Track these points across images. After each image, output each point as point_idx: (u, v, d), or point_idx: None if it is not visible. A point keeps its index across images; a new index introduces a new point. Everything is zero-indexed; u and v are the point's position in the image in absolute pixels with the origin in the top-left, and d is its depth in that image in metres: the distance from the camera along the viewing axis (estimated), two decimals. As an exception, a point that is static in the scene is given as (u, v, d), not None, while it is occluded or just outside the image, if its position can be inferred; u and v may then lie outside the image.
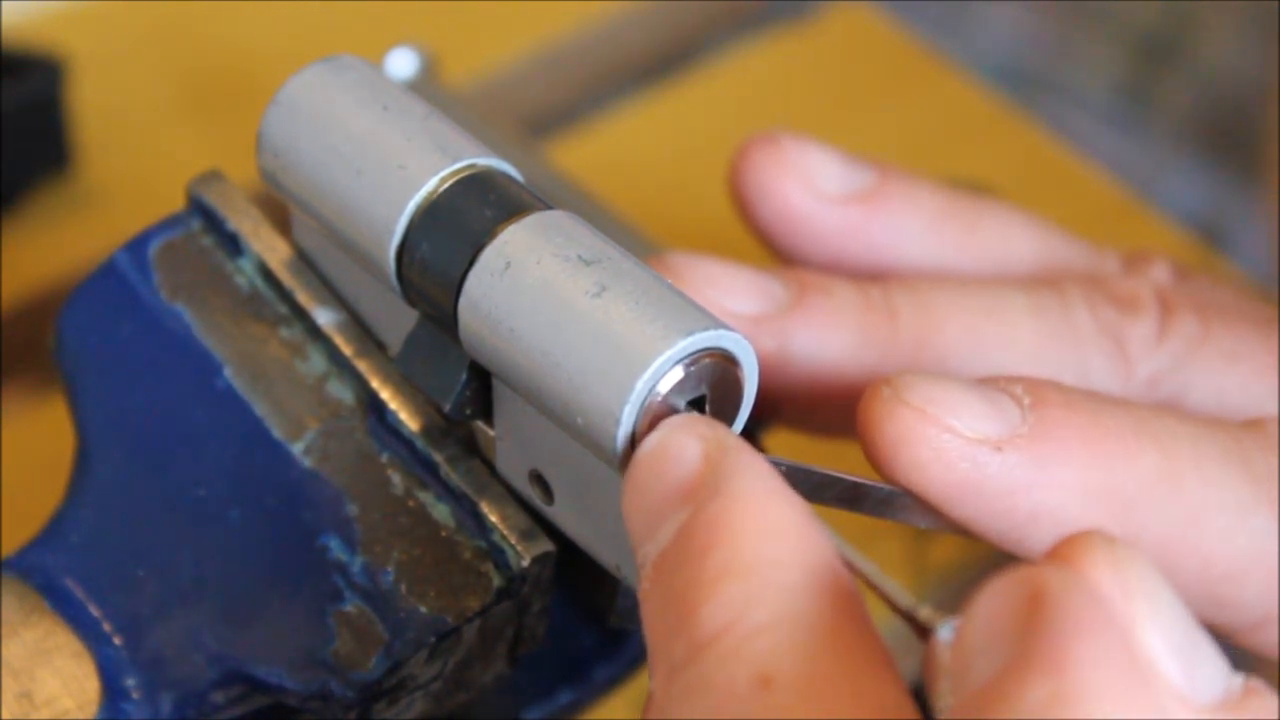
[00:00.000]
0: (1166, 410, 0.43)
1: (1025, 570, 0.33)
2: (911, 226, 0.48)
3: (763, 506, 0.35)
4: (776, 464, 0.38)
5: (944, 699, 0.35)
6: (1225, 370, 0.46)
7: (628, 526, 0.37)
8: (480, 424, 0.42)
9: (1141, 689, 0.32)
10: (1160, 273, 0.49)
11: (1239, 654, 0.43)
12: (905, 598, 0.36)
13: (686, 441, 0.37)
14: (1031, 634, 0.32)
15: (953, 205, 0.48)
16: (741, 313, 0.44)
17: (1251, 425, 0.43)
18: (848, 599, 0.35)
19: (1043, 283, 0.46)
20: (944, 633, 0.35)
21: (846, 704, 0.33)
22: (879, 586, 0.37)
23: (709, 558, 0.35)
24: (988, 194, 0.50)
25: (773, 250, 0.48)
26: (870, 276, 0.47)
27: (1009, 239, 0.48)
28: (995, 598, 0.33)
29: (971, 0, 0.81)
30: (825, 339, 0.45)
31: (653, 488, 0.37)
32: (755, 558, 0.35)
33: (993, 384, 0.41)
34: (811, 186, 0.47)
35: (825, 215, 0.48)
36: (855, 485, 0.40)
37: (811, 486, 0.40)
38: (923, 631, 0.36)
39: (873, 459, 0.41)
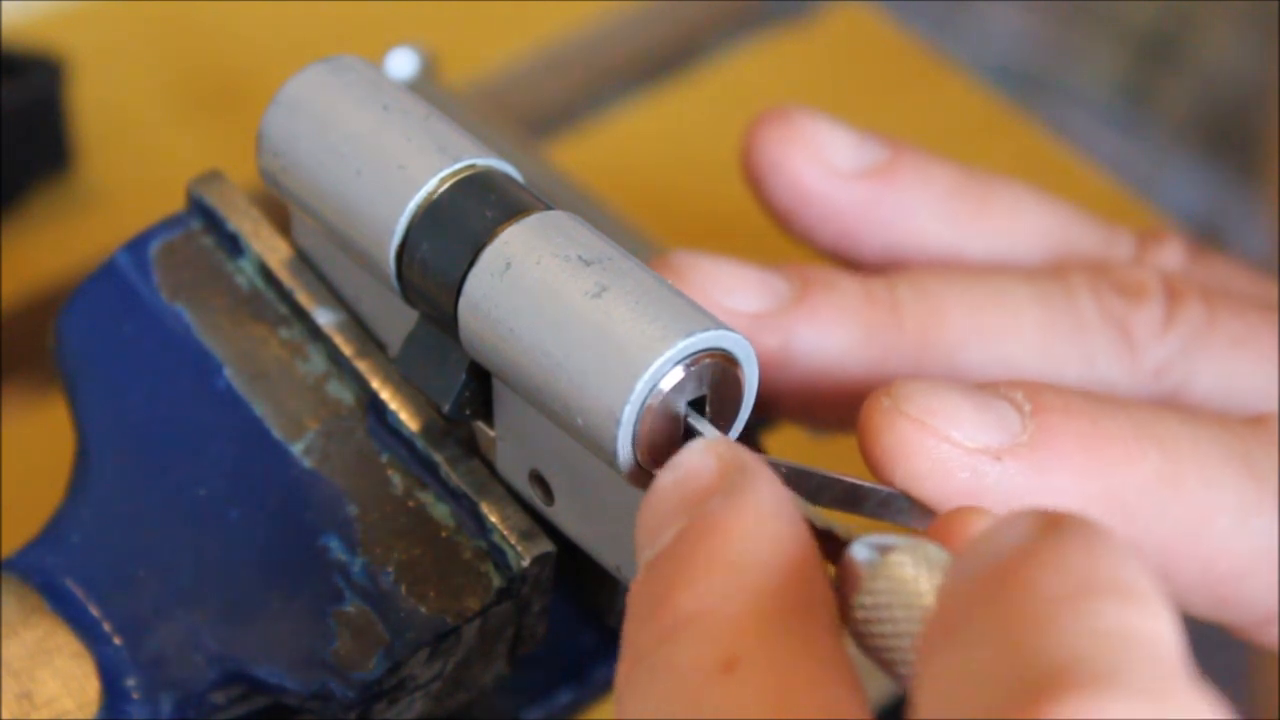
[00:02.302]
0: (1168, 410, 0.43)
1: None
2: (923, 203, 0.48)
3: (761, 515, 0.36)
4: (776, 465, 0.38)
5: (858, 610, 0.35)
6: (1231, 356, 0.46)
7: (637, 540, 0.37)
8: (480, 424, 0.42)
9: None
10: (1172, 253, 0.49)
11: (1243, 648, 0.43)
12: (820, 518, 0.37)
13: (704, 460, 0.37)
14: (1057, 529, 0.32)
15: (965, 182, 0.48)
16: (744, 310, 0.44)
17: (1254, 423, 0.43)
18: (826, 615, 0.35)
19: (1047, 272, 0.46)
20: (858, 549, 0.35)
21: (805, 698, 0.33)
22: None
23: (696, 551, 0.35)
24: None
25: (785, 227, 0.48)
26: (881, 257, 0.47)
27: (1021, 215, 0.48)
28: (1005, 521, 0.33)
29: (971, 0, 0.81)
30: (829, 335, 0.45)
31: (665, 500, 0.37)
32: (741, 557, 0.35)
33: (993, 390, 0.41)
34: (824, 162, 0.47)
35: (837, 191, 0.47)
36: (854, 487, 0.40)
37: (811, 488, 0.40)
38: (836, 549, 0.36)
39: (873, 468, 0.41)
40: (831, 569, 0.37)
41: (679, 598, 0.35)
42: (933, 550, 0.35)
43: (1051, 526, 0.32)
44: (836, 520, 0.37)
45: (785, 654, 0.34)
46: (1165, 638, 0.31)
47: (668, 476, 0.37)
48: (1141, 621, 0.31)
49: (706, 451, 0.37)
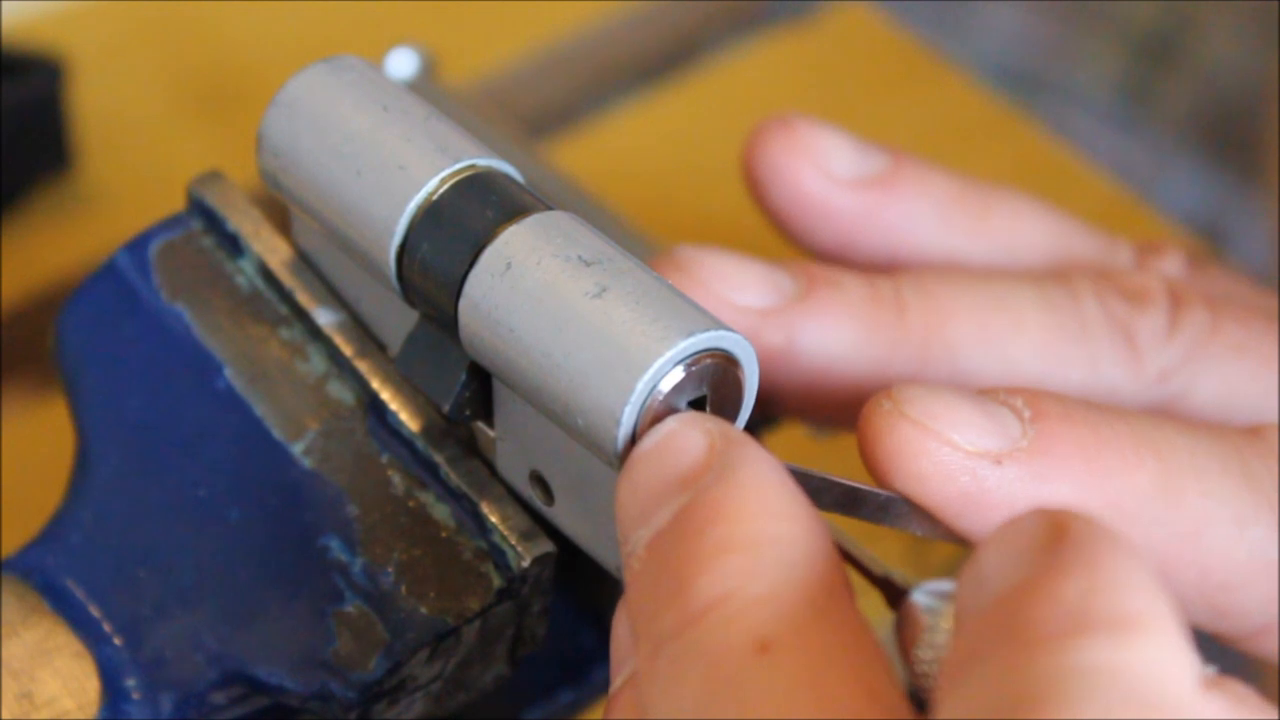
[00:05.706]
0: (1167, 420, 0.43)
1: (1041, 509, 0.34)
2: (923, 212, 0.48)
3: (765, 489, 0.36)
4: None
5: (921, 660, 0.35)
6: (1234, 362, 0.46)
7: (619, 515, 0.37)
8: (480, 424, 0.42)
9: (1160, 597, 0.32)
10: (1173, 264, 0.49)
11: (1239, 659, 0.43)
12: (879, 564, 0.37)
13: (691, 433, 0.37)
14: (1061, 546, 0.32)
15: (965, 192, 0.48)
16: (749, 306, 0.44)
17: (1253, 433, 0.43)
18: (842, 583, 0.35)
19: (1052, 276, 0.46)
20: (919, 597, 0.35)
21: (842, 676, 0.33)
22: (852, 553, 0.37)
23: (709, 533, 0.35)
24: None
25: (785, 234, 0.48)
26: (880, 266, 0.47)
27: (1021, 226, 0.48)
28: (1014, 528, 0.33)
29: (971, 0, 0.81)
30: (833, 332, 0.45)
31: (653, 476, 0.37)
32: (756, 534, 0.35)
33: (994, 395, 0.41)
34: (824, 170, 0.48)
35: (837, 199, 0.48)
36: (854, 490, 0.40)
37: (810, 491, 0.40)
38: (896, 596, 0.36)
39: (873, 470, 0.41)
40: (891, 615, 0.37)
41: (699, 581, 0.35)
42: None
43: (1054, 541, 0.32)
44: (875, 556, 0.38)
45: (816, 633, 0.34)
46: (1161, 668, 0.31)
47: (650, 448, 0.37)
48: (1133, 655, 0.31)
49: (692, 424, 0.37)
